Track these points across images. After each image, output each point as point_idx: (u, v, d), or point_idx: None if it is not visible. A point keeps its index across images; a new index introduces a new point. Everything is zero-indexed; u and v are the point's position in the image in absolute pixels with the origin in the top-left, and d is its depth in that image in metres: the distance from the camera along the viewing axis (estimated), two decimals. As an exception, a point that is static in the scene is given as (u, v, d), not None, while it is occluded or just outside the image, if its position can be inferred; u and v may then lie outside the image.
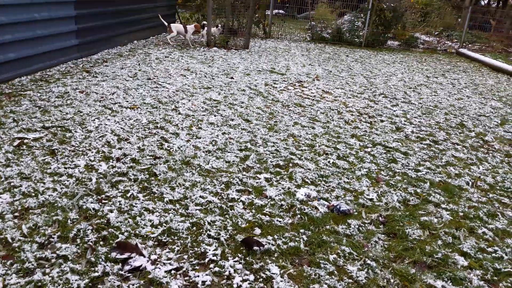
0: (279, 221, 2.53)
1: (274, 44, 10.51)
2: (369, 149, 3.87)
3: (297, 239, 2.36)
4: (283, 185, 3.00)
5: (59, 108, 4.24)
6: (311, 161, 3.46)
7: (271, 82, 6.24)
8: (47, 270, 1.95)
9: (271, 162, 3.37)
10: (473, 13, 13.60)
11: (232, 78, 6.26)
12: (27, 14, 5.29)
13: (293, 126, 4.34)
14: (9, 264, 1.97)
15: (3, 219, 2.30)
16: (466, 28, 12.74)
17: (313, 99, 5.51)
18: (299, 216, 2.61)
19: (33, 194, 2.57)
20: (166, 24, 8.76)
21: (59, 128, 3.69)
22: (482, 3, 22.73)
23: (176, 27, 8.73)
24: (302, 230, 2.46)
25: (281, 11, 16.86)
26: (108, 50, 7.52)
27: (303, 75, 7.01)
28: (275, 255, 2.22)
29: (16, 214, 2.36)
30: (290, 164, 3.36)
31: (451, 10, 15.22)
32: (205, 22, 9.14)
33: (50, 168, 2.94)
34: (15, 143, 3.29)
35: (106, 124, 3.87)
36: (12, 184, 2.67)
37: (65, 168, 2.95)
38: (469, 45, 13.25)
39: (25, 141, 3.35)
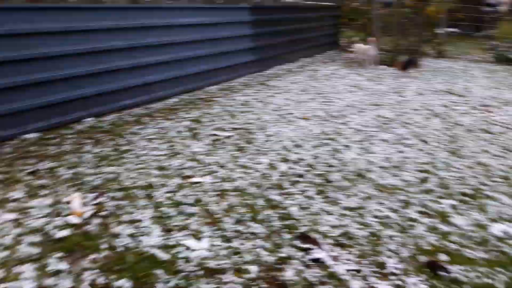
0: (470, 253, 2.25)
1: (448, 64, 9.54)
2: None
3: (494, 277, 2.06)
4: (471, 215, 2.67)
5: (243, 114, 4.86)
6: (508, 196, 2.97)
7: (449, 104, 5.66)
8: (242, 241, 2.27)
9: (456, 188, 3.04)
10: None
11: (403, 97, 5.97)
12: (213, 32, 6.27)
13: (480, 153, 3.82)
14: (214, 229, 2.39)
15: (208, 194, 2.79)
16: None
17: (506, 127, 4.74)
18: (495, 253, 2.27)
19: (228, 180, 3.02)
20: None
21: (244, 130, 4.23)
22: None
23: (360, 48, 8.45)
24: (498, 269, 2.12)
25: (455, 30, 15.22)
26: (279, 66, 8.23)
27: (489, 98, 6.12)
28: (464, 286, 1.99)
29: (217, 193, 2.82)
30: (480, 195, 2.96)
31: None
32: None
33: (239, 161, 3.39)
34: (212, 138, 3.93)
35: (283, 131, 4.23)
36: (212, 169, 3.20)
37: (252, 163, 3.36)
38: None
39: (219, 137, 3.97)
